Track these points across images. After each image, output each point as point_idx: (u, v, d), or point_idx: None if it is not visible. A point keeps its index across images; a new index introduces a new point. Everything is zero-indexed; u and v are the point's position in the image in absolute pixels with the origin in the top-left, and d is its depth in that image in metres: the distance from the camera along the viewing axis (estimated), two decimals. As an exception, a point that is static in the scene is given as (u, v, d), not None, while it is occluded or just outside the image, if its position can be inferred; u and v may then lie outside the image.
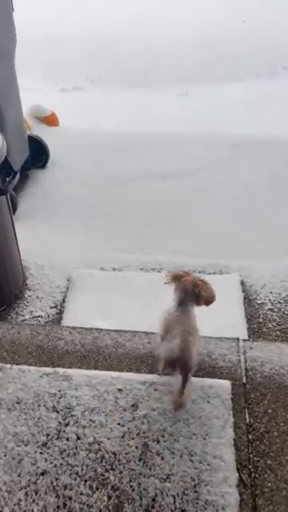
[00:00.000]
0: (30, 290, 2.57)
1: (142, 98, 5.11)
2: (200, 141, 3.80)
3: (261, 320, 2.38)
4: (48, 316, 2.44)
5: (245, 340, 1.98)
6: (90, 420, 1.60)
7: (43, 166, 3.50)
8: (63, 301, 2.51)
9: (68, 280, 2.61)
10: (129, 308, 2.42)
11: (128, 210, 3.12)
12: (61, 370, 1.78)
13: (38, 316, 2.44)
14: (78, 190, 3.29)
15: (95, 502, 1.38)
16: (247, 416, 1.64)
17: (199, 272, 2.66)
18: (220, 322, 2.29)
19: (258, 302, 2.48)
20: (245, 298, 2.48)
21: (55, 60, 5.88)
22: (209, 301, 1.72)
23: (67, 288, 2.57)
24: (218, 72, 5.69)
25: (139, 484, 1.42)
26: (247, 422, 1.62)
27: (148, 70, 5.71)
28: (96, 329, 2.04)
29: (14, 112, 2.98)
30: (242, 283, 2.58)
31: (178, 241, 2.87)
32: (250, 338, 2.27)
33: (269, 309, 2.44)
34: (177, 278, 1.77)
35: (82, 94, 5.31)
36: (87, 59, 5.83)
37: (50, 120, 3.90)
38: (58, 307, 2.49)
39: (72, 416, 1.61)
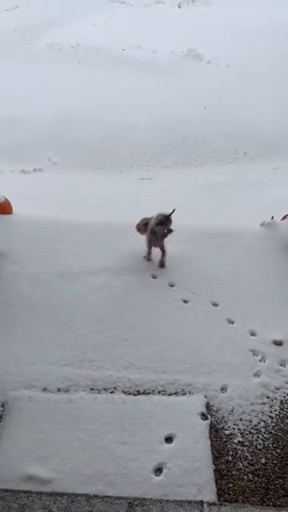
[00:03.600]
0: None
1: (103, 182, 5.02)
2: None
3: (230, 458, 2.01)
4: (-27, 458, 2.00)
5: (210, 504, 1.60)
6: None
7: (-10, 260, 3.19)
8: (-6, 435, 2.08)
9: (3, 406, 2.20)
10: (73, 446, 2.02)
11: (78, 312, 2.79)
12: None
13: None
14: (24, 288, 2.96)
15: None
16: None
17: (159, 392, 2.32)
18: (183, 464, 1.93)
19: (226, 432, 2.13)
20: (211, 428, 2.13)
21: (17, 142, 5.81)
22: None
23: (1, 417, 2.15)
24: (179, 157, 5.74)
25: None
26: None
27: (109, 154, 5.70)
28: (25, 492, 1.62)
29: None
30: (208, 407, 2.24)
31: (133, 351, 2.54)
32: (216, 483, 1.90)
33: (239, 442, 2.09)
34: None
35: (41, 175, 5.17)
36: (49, 142, 5.79)
37: (3, 208, 3.65)
38: (-13, 445, 2.05)
39: None
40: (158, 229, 3.05)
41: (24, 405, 2.18)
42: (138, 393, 2.31)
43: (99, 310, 2.82)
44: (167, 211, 3.05)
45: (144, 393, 2.31)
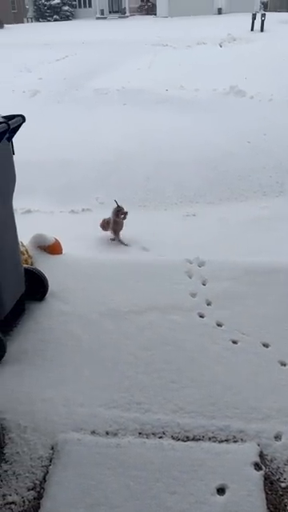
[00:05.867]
0: (6, 462, 2.16)
1: (148, 220, 5.10)
2: (206, 268, 3.60)
3: (287, 515, 1.89)
4: (23, 502, 2.00)
5: None
6: None
7: (41, 299, 3.29)
8: (44, 479, 2.08)
9: (52, 448, 2.21)
10: (122, 493, 1.98)
11: (125, 352, 2.79)
12: None
13: (12, 502, 2.00)
14: (73, 327, 3.02)
15: None
16: None
17: (209, 439, 2.24)
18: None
19: (282, 484, 2.01)
20: (265, 479, 2.02)
21: (66, 184, 6.07)
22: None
23: (50, 460, 2.15)
24: (223, 192, 5.76)
25: None
26: None
27: (155, 192, 5.82)
28: None
29: (9, 250, 2.85)
30: (261, 456, 2.13)
31: (182, 394, 2.49)
32: None
33: (296, 496, 1.96)
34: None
35: (90, 215, 5.35)
36: (97, 182, 6.02)
37: (53, 249, 3.79)
38: (37, 489, 2.05)
39: None
40: (119, 219, 4.41)
41: (73, 448, 2.18)
42: (188, 439, 2.25)
43: (146, 351, 2.81)
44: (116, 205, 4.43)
45: (194, 439, 2.25)
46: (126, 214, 4.40)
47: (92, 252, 4.10)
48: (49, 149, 7.12)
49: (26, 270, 3.20)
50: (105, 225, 4.54)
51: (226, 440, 2.23)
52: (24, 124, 2.72)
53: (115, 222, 4.43)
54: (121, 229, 4.47)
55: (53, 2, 40.52)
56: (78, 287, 3.43)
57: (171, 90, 10.79)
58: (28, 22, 45.86)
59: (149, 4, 42.31)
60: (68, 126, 8.36)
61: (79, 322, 3.07)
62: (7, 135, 2.57)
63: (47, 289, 3.31)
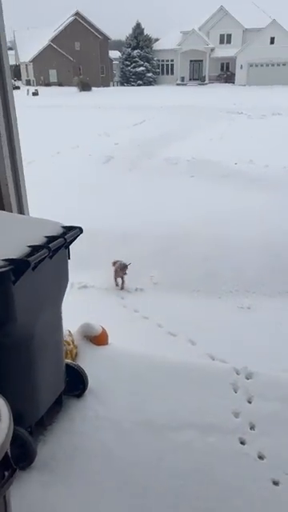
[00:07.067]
0: None
1: (201, 309, 5.00)
2: (253, 381, 3.38)
3: None
4: None
5: None
6: None
7: (79, 396, 3.26)
8: None
9: None
10: None
11: (154, 476, 2.62)
12: None
13: None
14: (106, 437, 2.91)
15: None
16: None
17: None
18: None
19: None
20: None
21: (125, 256, 6.16)
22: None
23: None
24: (284, 284, 5.52)
25: None
26: None
27: (210, 275, 5.73)
28: None
29: (52, 350, 2.89)
30: None
31: None
32: None
33: None
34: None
35: (142, 297, 5.36)
36: (154, 258, 6.07)
37: (99, 340, 3.79)
38: None
39: None
40: (122, 271, 5.47)
41: None
42: None
43: (177, 479, 2.63)
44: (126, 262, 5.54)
45: None
46: (126, 273, 5.51)
47: (137, 345, 4.03)
48: (112, 218, 7.39)
49: (68, 366, 3.20)
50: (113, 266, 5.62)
51: None
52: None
53: (116, 272, 5.52)
54: (119, 276, 5.51)
55: (138, 69, 43.94)
56: (116, 387, 3.36)
57: (240, 164, 10.93)
58: (114, 85, 49.81)
59: (228, 73, 44.36)
60: (133, 196, 8.69)
61: (112, 430, 2.98)
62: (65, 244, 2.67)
63: (86, 387, 3.28)
